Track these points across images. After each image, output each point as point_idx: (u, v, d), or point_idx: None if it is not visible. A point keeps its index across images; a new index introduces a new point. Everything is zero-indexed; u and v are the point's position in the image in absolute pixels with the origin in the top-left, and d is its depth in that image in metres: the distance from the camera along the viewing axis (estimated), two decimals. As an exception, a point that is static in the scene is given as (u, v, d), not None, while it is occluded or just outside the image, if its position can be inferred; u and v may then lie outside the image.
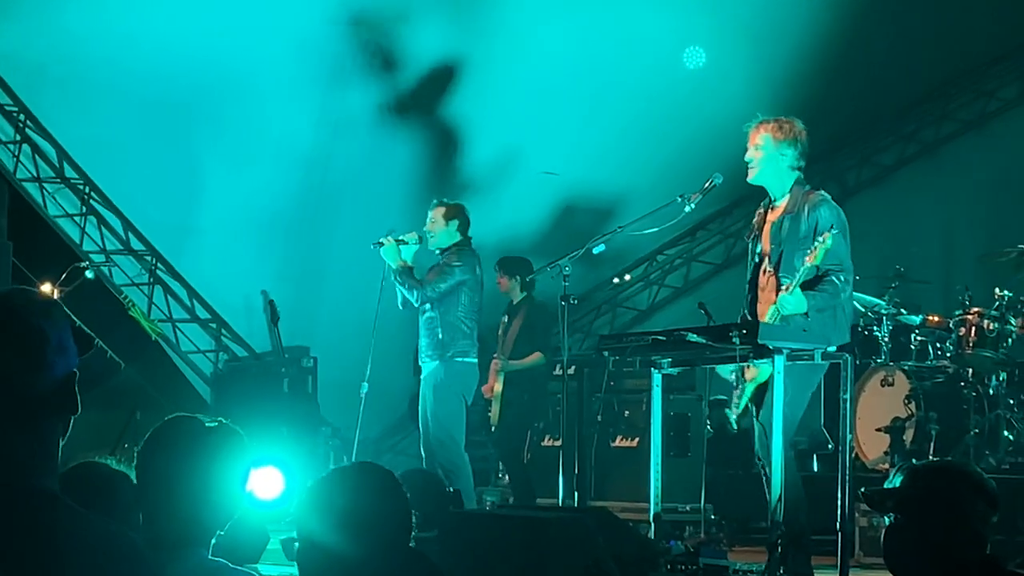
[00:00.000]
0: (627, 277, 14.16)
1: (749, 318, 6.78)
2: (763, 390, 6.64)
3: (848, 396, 6.44)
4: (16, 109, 11.95)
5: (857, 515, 8.00)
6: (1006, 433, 9.10)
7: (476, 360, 8.87)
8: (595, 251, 7.73)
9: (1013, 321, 9.17)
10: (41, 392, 2.37)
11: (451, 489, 7.89)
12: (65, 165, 12.19)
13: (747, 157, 6.80)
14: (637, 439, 9.76)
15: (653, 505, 6.92)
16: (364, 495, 3.12)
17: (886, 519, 3.23)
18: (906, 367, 9.43)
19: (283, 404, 11.44)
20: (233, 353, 12.91)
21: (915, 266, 11.05)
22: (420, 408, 8.89)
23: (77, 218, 12.35)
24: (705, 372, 8.58)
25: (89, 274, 9.85)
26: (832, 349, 6.47)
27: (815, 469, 9.67)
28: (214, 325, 12.91)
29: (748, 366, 6.59)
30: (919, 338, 9.80)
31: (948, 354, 9.41)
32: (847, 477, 6.27)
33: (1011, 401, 9.17)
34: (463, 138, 12.57)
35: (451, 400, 8.71)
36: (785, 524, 6.23)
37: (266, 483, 8.81)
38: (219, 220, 12.13)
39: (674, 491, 8.13)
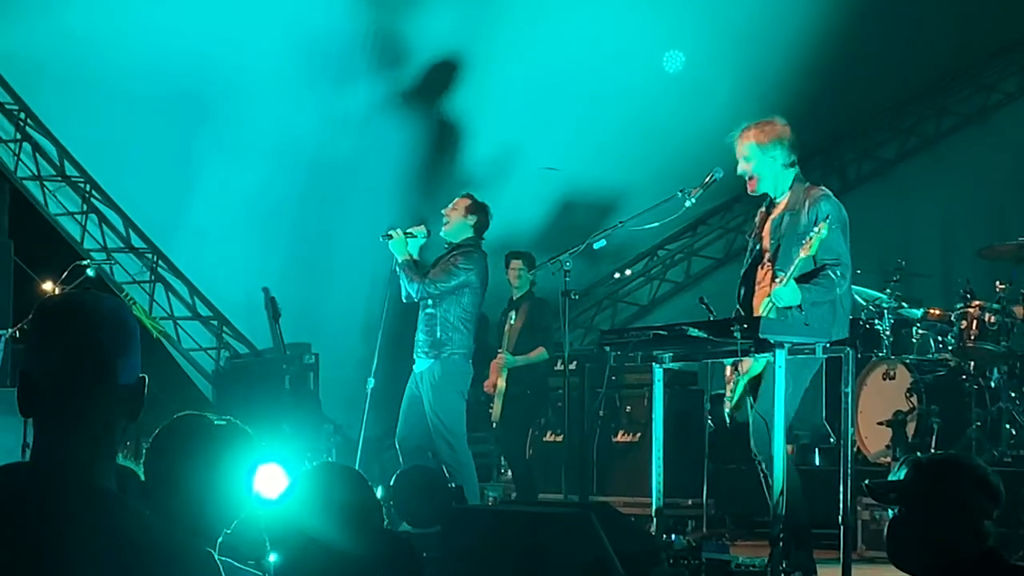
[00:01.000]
0: (628, 272, 14.15)
1: (742, 312, 6.79)
2: (756, 384, 6.65)
3: (850, 390, 6.43)
4: (17, 107, 11.96)
5: (859, 509, 8.02)
6: (1008, 426, 9.11)
7: (470, 358, 8.82)
8: (596, 246, 7.73)
9: (1014, 314, 9.18)
10: (109, 406, 2.39)
11: (453, 485, 7.88)
12: (66, 163, 12.20)
13: (740, 171, 6.80)
14: (639, 434, 9.78)
15: (655, 500, 6.93)
16: (341, 490, 3.15)
17: (889, 512, 3.23)
18: (907, 360, 9.44)
19: (285, 401, 11.44)
20: (235, 350, 12.92)
21: (916, 260, 11.06)
22: (405, 403, 8.80)
23: (78, 216, 12.36)
24: (707, 367, 8.58)
25: (90, 272, 9.83)
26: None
27: (817, 463, 9.68)
28: (215, 322, 12.92)
29: (741, 359, 6.59)
30: (920, 331, 9.80)
31: (949, 347, 9.42)
32: (849, 471, 6.27)
33: (1012, 394, 9.17)
34: (464, 133, 12.57)
35: (451, 398, 8.66)
36: (787, 518, 6.24)
37: (268, 480, 8.80)
38: (220, 217, 12.13)
39: (676, 486, 8.13)
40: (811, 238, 6.36)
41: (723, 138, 6.87)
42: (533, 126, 12.37)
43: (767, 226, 6.80)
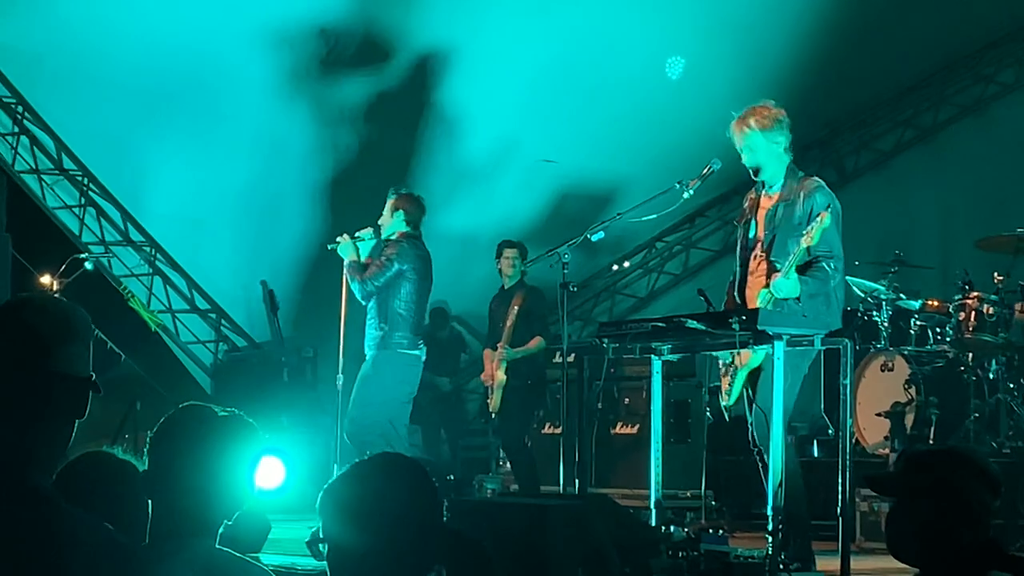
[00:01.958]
0: (626, 264, 14.16)
1: (738, 301, 6.78)
2: (756, 376, 6.65)
3: (848, 381, 6.44)
4: (14, 101, 11.95)
5: (858, 500, 8.02)
6: (1006, 417, 9.12)
7: (420, 355, 8.77)
8: (594, 238, 7.71)
9: (1013, 305, 9.19)
10: (43, 393, 2.36)
11: (450, 477, 7.89)
12: (63, 157, 12.20)
13: (745, 162, 6.75)
14: (637, 426, 9.78)
15: (654, 492, 6.94)
16: (388, 489, 2.91)
17: (888, 503, 3.23)
18: (906, 352, 9.45)
19: (283, 394, 11.45)
20: (233, 343, 12.92)
21: (914, 251, 11.07)
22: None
23: (76, 209, 12.35)
24: (705, 359, 8.58)
25: (88, 265, 9.84)
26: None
27: (815, 454, 9.68)
28: (214, 315, 12.92)
29: (738, 352, 6.59)
30: (918, 323, 9.81)
31: (948, 339, 9.42)
32: (847, 462, 6.27)
33: (1011, 385, 9.18)
34: (460, 127, 12.55)
35: (391, 387, 8.65)
36: (785, 510, 6.25)
37: (267, 472, 8.82)
38: (218, 210, 12.13)
39: (675, 478, 8.15)
40: (812, 228, 6.35)
41: (720, 130, 6.85)
42: (529, 118, 12.36)
43: (761, 214, 6.78)
